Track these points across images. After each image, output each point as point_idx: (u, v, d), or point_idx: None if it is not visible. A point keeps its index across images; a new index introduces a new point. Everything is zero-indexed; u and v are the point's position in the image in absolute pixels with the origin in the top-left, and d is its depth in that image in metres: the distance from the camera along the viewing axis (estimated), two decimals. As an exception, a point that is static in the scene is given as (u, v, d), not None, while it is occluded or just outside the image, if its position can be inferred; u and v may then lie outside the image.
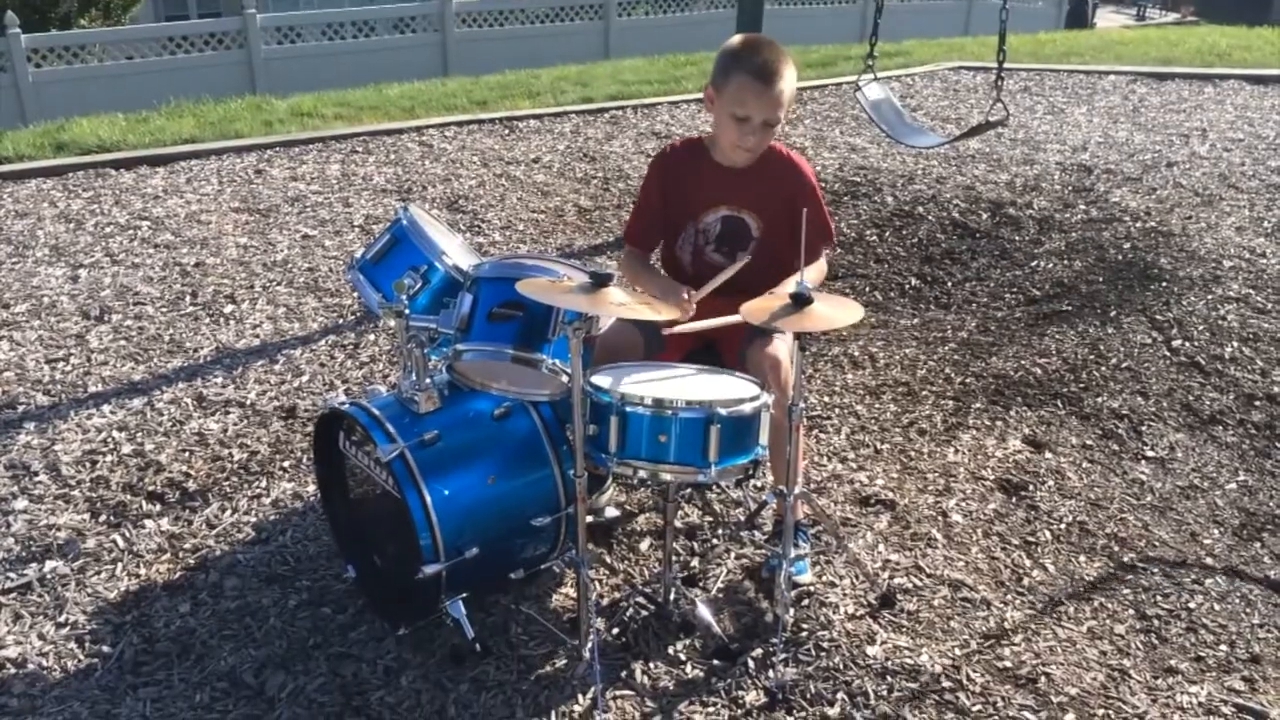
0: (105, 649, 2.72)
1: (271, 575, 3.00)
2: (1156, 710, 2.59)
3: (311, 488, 3.38)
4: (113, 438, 3.65)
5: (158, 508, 3.30)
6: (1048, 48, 11.61)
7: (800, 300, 2.47)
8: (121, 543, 3.13)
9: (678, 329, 2.82)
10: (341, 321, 4.54)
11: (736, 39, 2.94)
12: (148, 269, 5.07)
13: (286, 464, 3.51)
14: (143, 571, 3.02)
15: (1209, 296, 4.94)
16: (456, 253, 2.84)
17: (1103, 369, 4.35)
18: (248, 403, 3.88)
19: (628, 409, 2.47)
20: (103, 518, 3.24)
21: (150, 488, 3.38)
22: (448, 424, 2.68)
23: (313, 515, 3.26)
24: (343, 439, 2.84)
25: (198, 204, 5.95)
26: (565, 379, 2.53)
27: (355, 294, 4.75)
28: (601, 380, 2.57)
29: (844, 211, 5.97)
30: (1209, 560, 3.27)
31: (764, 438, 2.58)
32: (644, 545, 3.14)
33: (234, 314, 4.59)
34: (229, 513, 3.27)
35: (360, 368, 4.14)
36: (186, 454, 3.56)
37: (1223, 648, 2.86)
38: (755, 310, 2.51)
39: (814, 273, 3.13)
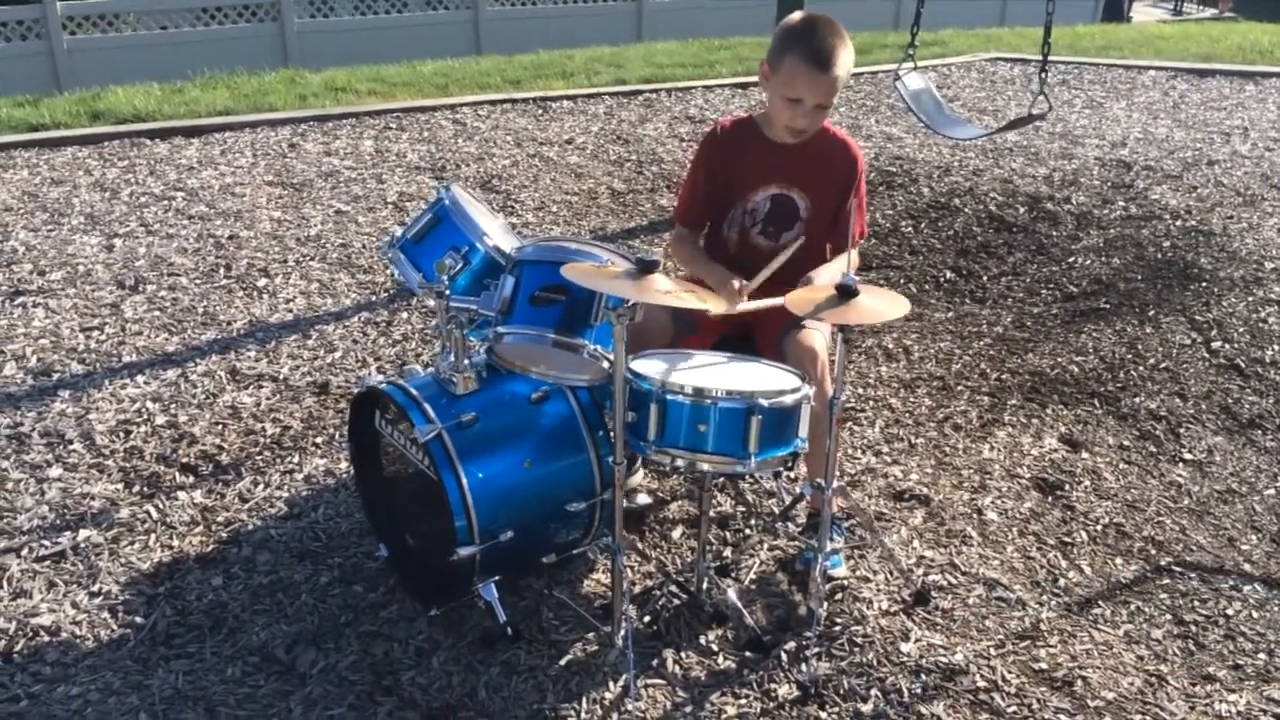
0: (138, 619, 2.72)
1: (303, 551, 3.00)
2: (1195, 717, 2.56)
3: (344, 465, 3.37)
4: (146, 408, 3.66)
5: (190, 480, 3.30)
6: (1085, 41, 11.48)
7: (846, 292, 2.44)
8: (155, 514, 3.13)
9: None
10: (374, 299, 4.53)
11: (796, 17, 2.89)
12: (182, 240, 5.07)
13: (319, 440, 3.51)
14: (175, 543, 3.02)
15: (1250, 298, 4.87)
16: (498, 234, 2.82)
17: (1140, 369, 4.30)
18: (280, 377, 3.88)
19: (668, 397, 2.45)
20: (136, 488, 3.25)
21: (184, 459, 3.38)
22: (485, 406, 2.66)
23: (345, 492, 3.26)
24: (378, 417, 2.82)
25: (232, 176, 5.95)
26: (606, 364, 2.51)
27: (390, 271, 4.74)
28: (642, 367, 2.55)
29: (879, 202, 5.92)
30: (1247, 566, 3.22)
31: (804, 430, 2.55)
32: (676, 534, 3.12)
33: (267, 288, 4.59)
34: (261, 487, 3.27)
35: (393, 345, 4.13)
36: (220, 427, 3.56)
37: (1261, 656, 2.82)
38: (800, 301, 2.48)
39: (841, 267, 3.11)
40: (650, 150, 6.66)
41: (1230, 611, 2.99)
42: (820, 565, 2.65)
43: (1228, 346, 4.49)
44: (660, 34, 14.10)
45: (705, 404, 2.44)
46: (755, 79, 8.69)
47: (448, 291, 2.63)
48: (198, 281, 4.63)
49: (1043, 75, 4.53)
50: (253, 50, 12.68)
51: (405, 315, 4.37)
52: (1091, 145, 7.01)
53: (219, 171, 6.03)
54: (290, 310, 4.40)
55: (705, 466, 2.53)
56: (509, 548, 2.63)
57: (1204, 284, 5.01)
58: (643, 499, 3.21)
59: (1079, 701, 2.57)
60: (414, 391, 2.64)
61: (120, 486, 3.25)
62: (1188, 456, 3.78)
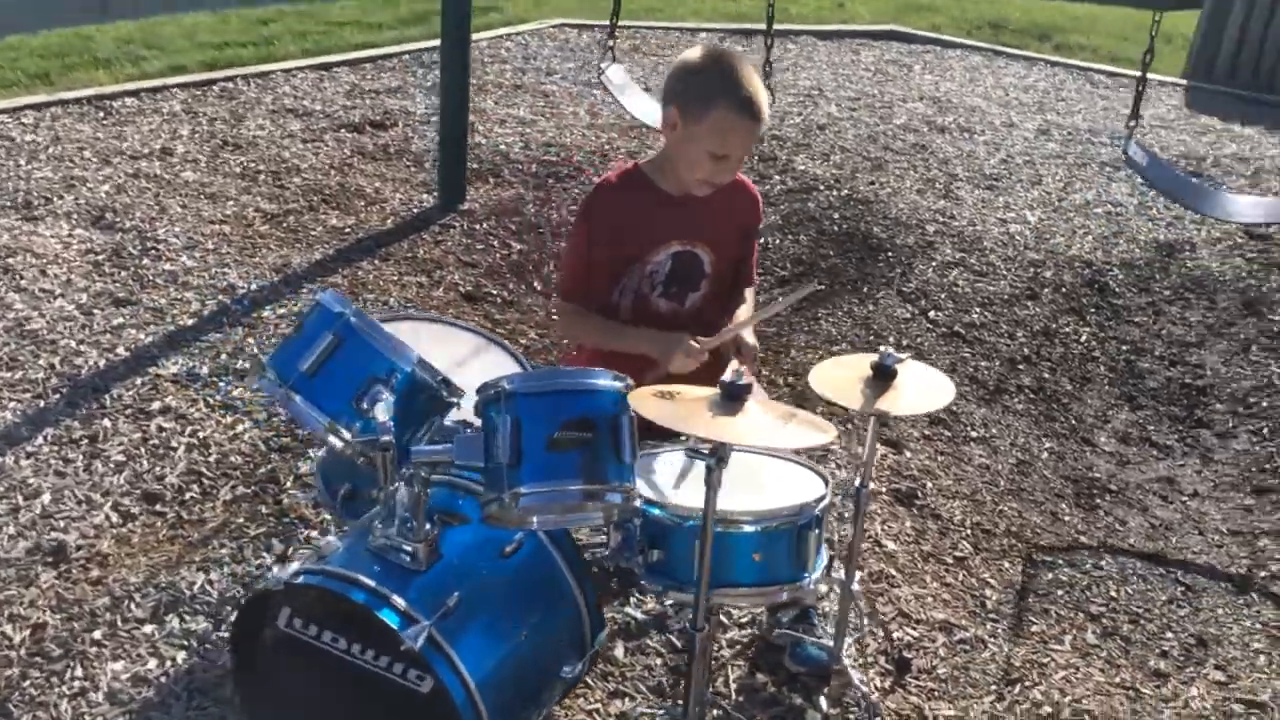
0: None
1: (170, 811, 2.17)
2: (1186, 722, 2.66)
3: (153, 664, 2.49)
4: None
5: (-69, 746, 2.26)
6: (631, 2, 11.77)
7: (883, 373, 2.16)
8: (-93, 821, 2.10)
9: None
10: (44, 404, 3.41)
11: (703, 57, 2.51)
12: None
13: (96, 635, 2.56)
14: None
15: (933, 263, 5.23)
16: (415, 344, 2.16)
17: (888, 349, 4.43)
18: (-19, 550, 2.79)
19: (716, 529, 2.02)
20: None
21: (-94, 717, 2.31)
22: (455, 576, 2.06)
23: (177, 704, 2.40)
24: (288, 617, 2.07)
25: None
26: (640, 503, 2.01)
27: (46, 361, 3.61)
28: (649, 490, 2.09)
29: (553, 199, 5.58)
30: (1084, 539, 3.44)
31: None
32: (618, 651, 2.67)
33: (-125, 412, 3.29)
34: (51, 728, 2.32)
35: (118, 471, 3.12)
36: (-68, 649, 2.48)
37: (1169, 636, 3.00)
38: (837, 388, 2.16)
39: (750, 308, 2.86)
40: (274, 156, 5.73)
41: (1112, 593, 3.17)
42: (846, 665, 2.38)
43: (942, 315, 4.78)
44: (126, 12, 12.23)
45: (757, 530, 2.05)
46: (336, 58, 7.85)
47: (391, 439, 1.97)
48: None
49: (767, 68, 4.46)
50: None
51: (107, 423, 3.33)
52: (711, 117, 7.14)
53: None
54: (-66, 442, 3.19)
55: (743, 604, 2.16)
56: (515, 746, 2.07)
57: (889, 254, 5.29)
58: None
59: (1098, 739, 2.56)
60: (369, 582, 1.95)
61: None
62: (974, 434, 3.96)
